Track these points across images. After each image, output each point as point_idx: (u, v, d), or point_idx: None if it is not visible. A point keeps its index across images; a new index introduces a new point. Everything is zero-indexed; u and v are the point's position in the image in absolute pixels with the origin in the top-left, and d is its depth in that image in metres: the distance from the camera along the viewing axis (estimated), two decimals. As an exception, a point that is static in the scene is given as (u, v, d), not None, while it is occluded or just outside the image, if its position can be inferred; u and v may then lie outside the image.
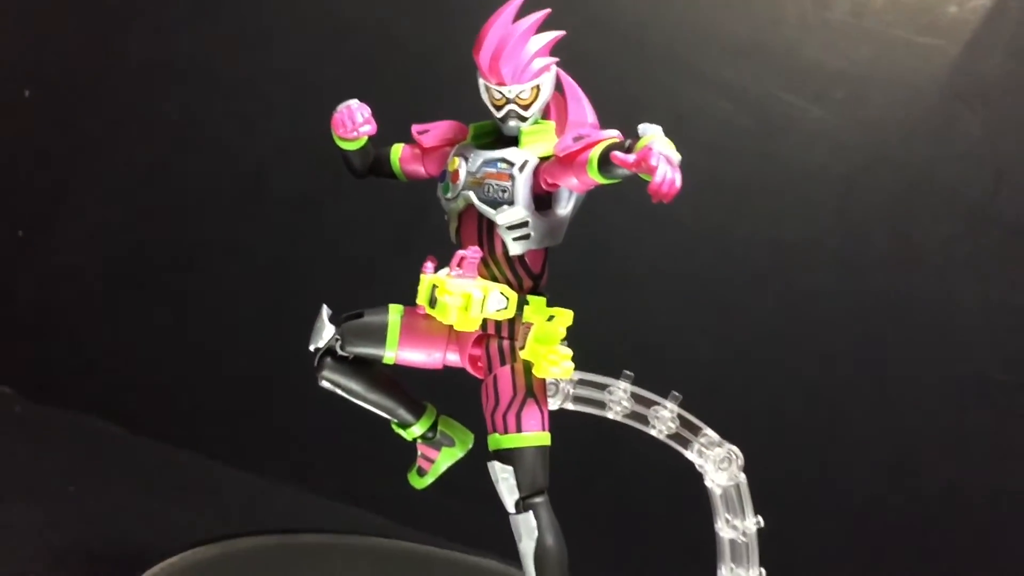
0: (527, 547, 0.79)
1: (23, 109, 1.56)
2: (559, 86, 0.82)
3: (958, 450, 1.35)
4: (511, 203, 0.79)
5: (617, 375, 0.90)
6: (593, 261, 1.33)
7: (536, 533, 0.79)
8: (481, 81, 0.80)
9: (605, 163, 0.72)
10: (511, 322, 0.81)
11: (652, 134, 0.69)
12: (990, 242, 1.33)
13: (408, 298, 0.83)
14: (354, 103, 0.83)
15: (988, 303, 1.33)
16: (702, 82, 1.37)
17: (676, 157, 0.67)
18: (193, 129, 1.53)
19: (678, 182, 0.66)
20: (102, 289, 1.59)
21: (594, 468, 1.36)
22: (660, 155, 0.66)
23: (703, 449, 0.88)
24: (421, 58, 1.43)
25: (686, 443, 0.89)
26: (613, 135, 0.74)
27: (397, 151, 0.88)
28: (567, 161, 0.75)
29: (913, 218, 1.35)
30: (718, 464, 0.88)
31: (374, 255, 1.46)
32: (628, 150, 0.70)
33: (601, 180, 0.73)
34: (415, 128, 0.87)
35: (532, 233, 0.79)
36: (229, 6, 1.50)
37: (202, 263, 1.56)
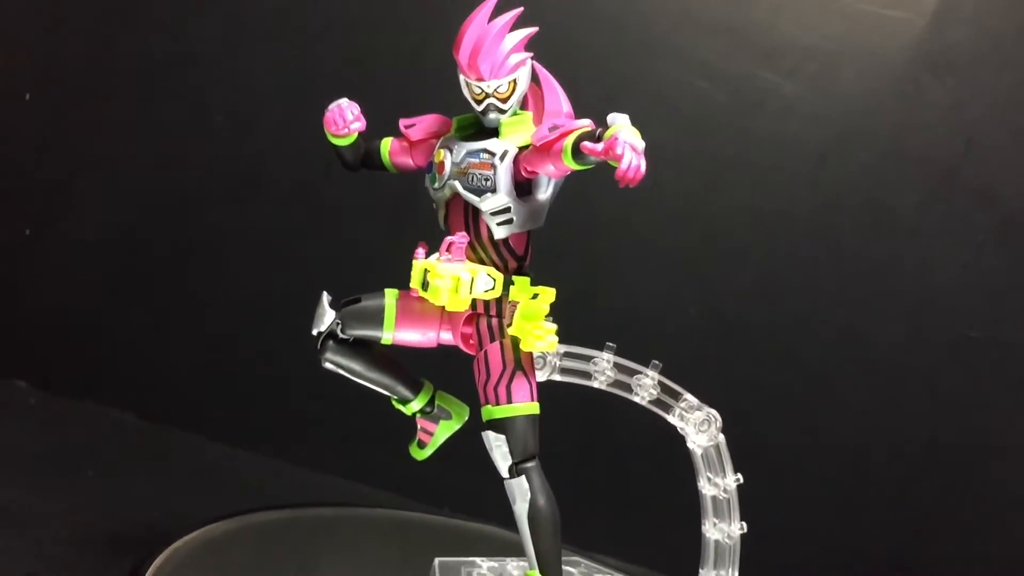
0: (521, 509, 0.83)
1: (25, 112, 1.58)
2: (535, 78, 0.85)
3: (935, 405, 1.39)
4: (494, 191, 0.82)
5: (603, 345, 0.93)
6: (577, 235, 1.35)
7: (529, 495, 0.83)
8: (462, 77, 0.83)
9: (578, 151, 0.75)
10: (498, 301, 0.85)
11: (619, 124, 0.72)
12: (960, 206, 1.36)
13: (402, 281, 0.86)
14: (344, 102, 0.86)
15: (959, 264, 1.36)
16: (679, 61, 1.40)
17: (640, 145, 0.71)
18: (192, 125, 1.54)
19: (643, 168, 0.70)
20: (109, 283, 1.60)
21: (585, 434, 1.39)
22: (625, 144, 0.70)
23: (684, 413, 0.93)
24: (408, 53, 1.45)
25: (668, 408, 0.93)
26: (585, 124, 0.78)
27: (386, 145, 0.91)
28: (544, 150, 0.79)
29: (885, 185, 1.38)
30: (698, 427, 0.93)
31: (369, 241, 1.48)
32: (599, 138, 0.73)
33: (575, 166, 0.77)
34: (402, 122, 0.90)
35: (515, 218, 0.83)
36: (224, 6, 1.52)
37: (205, 254, 1.58)
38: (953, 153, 1.35)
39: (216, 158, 1.55)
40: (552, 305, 0.85)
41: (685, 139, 1.41)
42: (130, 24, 1.55)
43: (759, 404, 1.40)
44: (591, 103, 1.38)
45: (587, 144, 0.73)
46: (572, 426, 1.25)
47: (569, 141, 0.76)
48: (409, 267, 0.85)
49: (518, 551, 0.87)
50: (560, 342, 0.87)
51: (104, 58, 1.56)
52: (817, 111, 1.38)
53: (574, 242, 1.36)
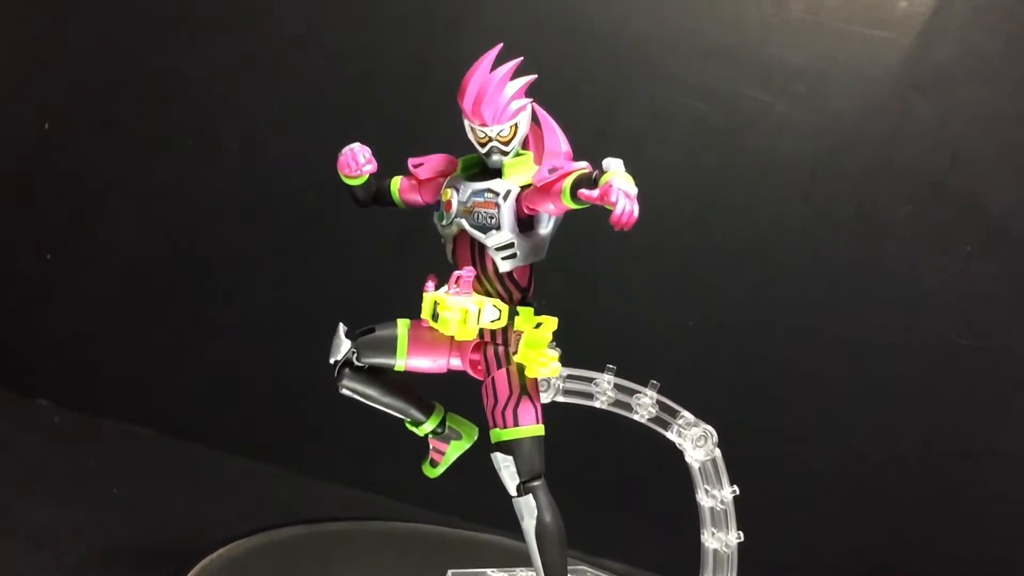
0: (529, 525, 0.87)
1: (44, 141, 1.61)
2: (535, 119, 0.89)
3: (928, 410, 1.41)
4: (498, 228, 0.86)
5: (605, 362, 0.96)
6: (577, 249, 1.37)
7: (536, 512, 0.87)
8: (466, 122, 0.87)
9: (576, 193, 0.79)
10: (504, 330, 0.88)
11: (614, 170, 0.76)
12: (948, 217, 1.38)
13: (409, 299, 0.90)
14: (356, 146, 0.90)
15: (948, 274, 1.39)
16: (674, 84, 1.43)
17: (633, 191, 0.75)
18: (206, 152, 1.57)
19: (636, 213, 0.74)
20: (128, 302, 1.63)
21: (589, 442, 1.42)
22: (619, 191, 0.74)
23: (681, 430, 0.96)
24: (414, 82, 1.48)
25: (666, 425, 0.96)
26: (583, 167, 0.82)
27: (396, 183, 0.94)
28: (544, 190, 0.82)
29: (875, 199, 1.40)
30: (695, 442, 0.96)
31: (377, 261, 1.52)
32: (595, 182, 0.78)
33: (574, 206, 0.81)
34: (411, 161, 0.93)
35: (518, 252, 0.86)
36: (236, 40, 1.55)
37: (221, 273, 1.61)
38: (940, 166, 1.37)
39: (229, 184, 1.58)
40: (560, 323, 0.89)
41: (681, 157, 1.44)
42: (145, 56, 1.58)
43: (755, 412, 1.43)
44: (591, 123, 1.43)
45: (584, 191, 0.78)
46: (577, 434, 1.27)
47: (568, 183, 0.80)
48: (416, 287, 0.89)
49: (528, 561, 0.90)
50: (562, 358, 0.90)
51: (120, 88, 1.59)
52: (808, 128, 1.41)
53: (574, 255, 1.38)
